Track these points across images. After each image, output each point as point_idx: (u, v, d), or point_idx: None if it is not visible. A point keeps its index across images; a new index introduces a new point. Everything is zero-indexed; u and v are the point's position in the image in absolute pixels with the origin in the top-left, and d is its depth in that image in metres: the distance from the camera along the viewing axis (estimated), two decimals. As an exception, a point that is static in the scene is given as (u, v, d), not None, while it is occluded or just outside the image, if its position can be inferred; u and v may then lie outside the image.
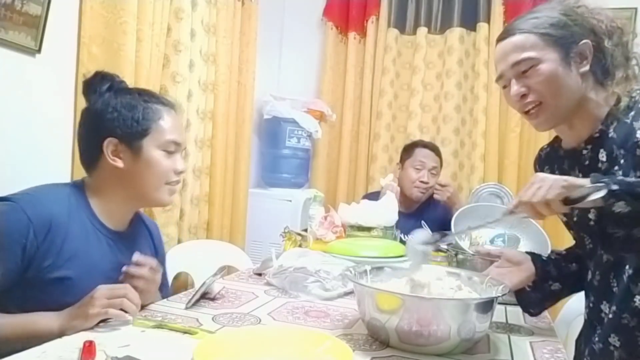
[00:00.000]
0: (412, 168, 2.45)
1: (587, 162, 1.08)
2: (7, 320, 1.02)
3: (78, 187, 1.18)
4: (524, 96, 1.07)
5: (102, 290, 1.03)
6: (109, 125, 1.15)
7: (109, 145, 1.15)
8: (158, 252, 1.37)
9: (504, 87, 1.11)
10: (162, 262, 1.36)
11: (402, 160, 2.54)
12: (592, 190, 0.91)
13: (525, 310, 1.25)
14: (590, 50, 1.04)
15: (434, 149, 2.51)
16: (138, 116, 1.16)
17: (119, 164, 1.16)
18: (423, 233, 1.20)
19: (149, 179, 1.18)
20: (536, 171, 1.26)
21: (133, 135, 1.16)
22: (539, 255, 1.27)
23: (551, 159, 1.21)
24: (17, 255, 1.03)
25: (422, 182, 2.41)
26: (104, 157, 1.16)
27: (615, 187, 0.89)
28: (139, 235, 1.30)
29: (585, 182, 0.94)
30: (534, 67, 1.04)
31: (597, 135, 1.06)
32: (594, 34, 1.04)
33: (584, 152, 1.09)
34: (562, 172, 1.16)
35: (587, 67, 1.04)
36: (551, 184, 0.95)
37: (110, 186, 1.18)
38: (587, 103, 1.06)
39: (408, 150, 2.53)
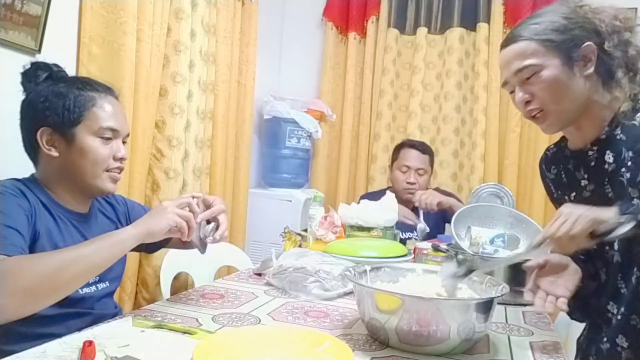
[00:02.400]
0: (398, 170, 2.48)
1: (593, 163, 1.08)
2: (95, 246, 1.04)
3: (29, 180, 1.18)
4: (528, 102, 1.07)
5: (170, 202, 1.13)
6: (41, 115, 1.15)
7: (42, 134, 1.15)
8: (129, 209, 1.37)
9: (511, 92, 1.12)
10: (140, 209, 1.38)
11: (392, 161, 2.57)
12: (619, 224, 0.89)
13: (584, 318, 1.19)
14: (594, 52, 1.03)
15: (421, 149, 2.50)
16: (69, 104, 1.14)
17: (54, 153, 1.15)
18: (450, 266, 1.13)
19: (84, 167, 1.16)
20: (541, 170, 1.26)
21: (65, 124, 1.14)
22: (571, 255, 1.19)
23: (557, 159, 1.20)
24: (26, 225, 1.05)
25: (408, 182, 2.44)
26: (41, 148, 1.15)
27: None
28: (101, 214, 1.31)
29: (610, 213, 0.91)
30: (536, 74, 1.04)
31: (604, 136, 1.06)
32: (597, 34, 1.04)
33: (590, 153, 1.09)
34: (567, 172, 1.16)
35: (591, 70, 1.04)
36: (576, 218, 0.93)
37: (53, 176, 1.18)
38: (594, 104, 1.06)
39: (396, 151, 2.56)
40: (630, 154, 0.99)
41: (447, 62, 3.02)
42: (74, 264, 0.99)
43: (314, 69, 3.24)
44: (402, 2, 3.10)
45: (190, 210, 1.15)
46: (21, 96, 1.52)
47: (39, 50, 1.55)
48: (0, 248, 0.96)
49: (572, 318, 1.22)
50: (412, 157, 2.46)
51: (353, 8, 3.14)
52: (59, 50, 1.62)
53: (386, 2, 3.09)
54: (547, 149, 1.25)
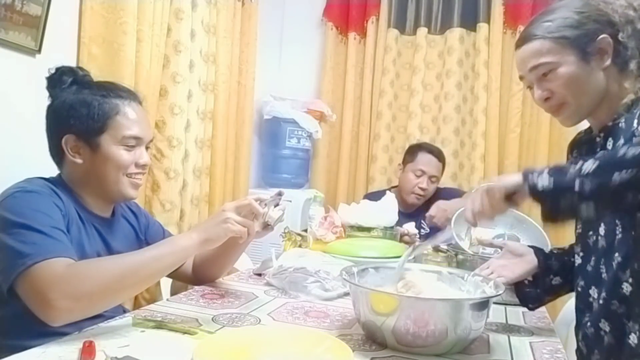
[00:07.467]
0: (412, 173, 2.45)
1: (598, 149, 1.10)
2: (157, 253, 1.06)
3: (57, 180, 1.18)
4: (547, 99, 1.09)
5: (232, 208, 1.15)
6: (66, 123, 1.15)
7: (67, 141, 1.15)
8: (150, 224, 1.39)
9: (528, 87, 1.13)
10: (159, 228, 1.41)
11: (405, 161, 2.53)
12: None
13: (524, 304, 1.25)
14: (610, 44, 1.03)
15: (438, 155, 2.48)
16: (93, 113, 1.14)
17: (78, 160, 1.16)
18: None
19: (107, 173, 1.17)
20: (567, 153, 1.28)
21: (89, 132, 1.14)
22: (541, 249, 1.27)
23: (580, 144, 1.22)
24: (65, 225, 1.07)
25: (420, 188, 2.42)
26: (66, 154, 1.16)
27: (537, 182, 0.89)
28: (124, 219, 1.32)
29: (516, 178, 0.94)
30: (553, 71, 1.05)
31: (610, 124, 1.07)
32: (611, 25, 1.03)
33: (597, 139, 1.11)
34: (581, 157, 1.17)
35: (608, 62, 1.04)
36: (483, 195, 0.98)
37: (78, 180, 1.18)
38: (610, 95, 1.06)
39: (412, 152, 2.52)
40: (623, 141, 1.01)
41: (447, 63, 3.02)
42: (137, 271, 1.02)
43: (314, 69, 3.24)
44: (402, 2, 3.10)
45: (253, 212, 1.18)
46: (21, 96, 1.53)
47: (39, 51, 1.55)
48: (55, 251, 0.98)
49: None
50: (429, 163, 2.44)
51: (353, 8, 3.14)
52: (59, 50, 1.62)
53: (386, 2, 3.09)
54: (578, 134, 1.26)
